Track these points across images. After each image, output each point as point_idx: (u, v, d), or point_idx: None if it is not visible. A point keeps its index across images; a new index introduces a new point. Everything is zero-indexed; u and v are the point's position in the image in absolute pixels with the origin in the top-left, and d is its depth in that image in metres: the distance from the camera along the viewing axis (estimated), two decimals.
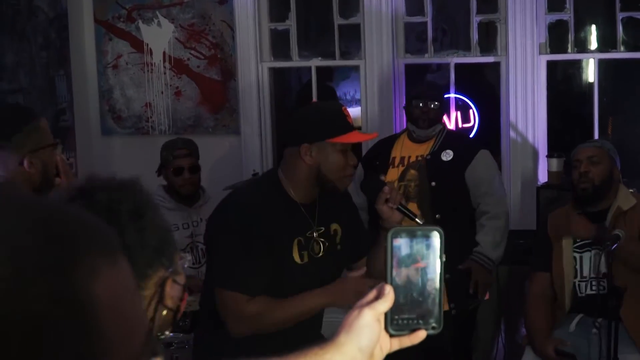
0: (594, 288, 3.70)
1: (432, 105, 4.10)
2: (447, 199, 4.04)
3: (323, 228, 2.91)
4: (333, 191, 2.83)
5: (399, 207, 2.70)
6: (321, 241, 2.89)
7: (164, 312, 1.52)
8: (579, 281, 3.75)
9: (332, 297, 2.80)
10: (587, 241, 3.73)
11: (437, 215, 4.00)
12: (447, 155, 4.07)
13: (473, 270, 4.00)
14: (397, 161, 4.16)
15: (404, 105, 4.22)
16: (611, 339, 3.29)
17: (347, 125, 2.78)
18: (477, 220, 4.10)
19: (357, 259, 3.00)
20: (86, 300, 0.65)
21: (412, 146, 4.17)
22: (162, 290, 1.51)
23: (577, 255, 3.76)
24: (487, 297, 4.13)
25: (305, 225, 2.86)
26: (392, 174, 4.13)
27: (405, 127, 4.23)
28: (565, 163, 4.63)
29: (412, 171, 4.11)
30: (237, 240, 2.74)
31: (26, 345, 0.61)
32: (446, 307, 3.80)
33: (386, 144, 4.26)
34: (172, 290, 1.53)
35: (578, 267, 3.76)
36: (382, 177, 2.88)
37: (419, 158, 4.12)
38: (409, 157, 4.15)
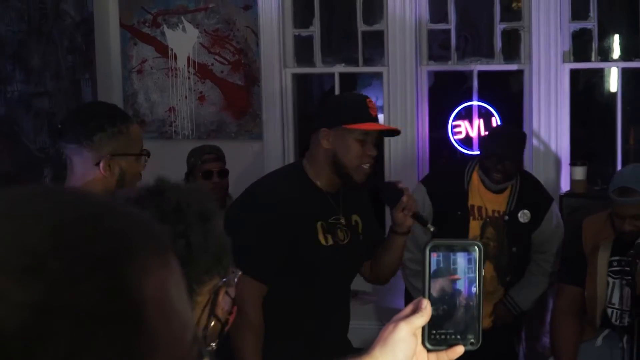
0: (625, 320, 3.52)
1: (509, 163, 3.89)
2: (522, 263, 4.09)
3: (344, 218, 2.94)
4: (349, 180, 2.83)
5: (414, 214, 2.84)
6: (345, 229, 2.91)
7: (212, 323, 1.50)
8: (611, 308, 3.57)
9: None
10: (624, 267, 3.50)
11: (507, 278, 4.06)
12: (525, 217, 3.97)
13: (498, 313, 4.10)
14: (475, 212, 4.01)
15: (478, 147, 4.02)
16: (633, 350, 3.27)
17: (366, 114, 2.79)
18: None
19: (373, 254, 3.02)
20: (137, 299, 0.64)
21: (486, 195, 4.00)
22: (215, 299, 1.49)
23: (611, 281, 3.55)
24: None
25: (329, 210, 2.88)
26: (474, 227, 4.01)
27: (473, 163, 4.05)
28: (588, 171, 4.61)
29: (491, 229, 4.00)
30: (252, 225, 2.76)
31: (74, 340, 0.61)
32: None
33: (459, 188, 4.02)
34: (223, 302, 1.51)
35: (609, 291, 3.56)
36: (400, 185, 2.88)
37: (496, 214, 4.00)
38: (485, 209, 4.00)
